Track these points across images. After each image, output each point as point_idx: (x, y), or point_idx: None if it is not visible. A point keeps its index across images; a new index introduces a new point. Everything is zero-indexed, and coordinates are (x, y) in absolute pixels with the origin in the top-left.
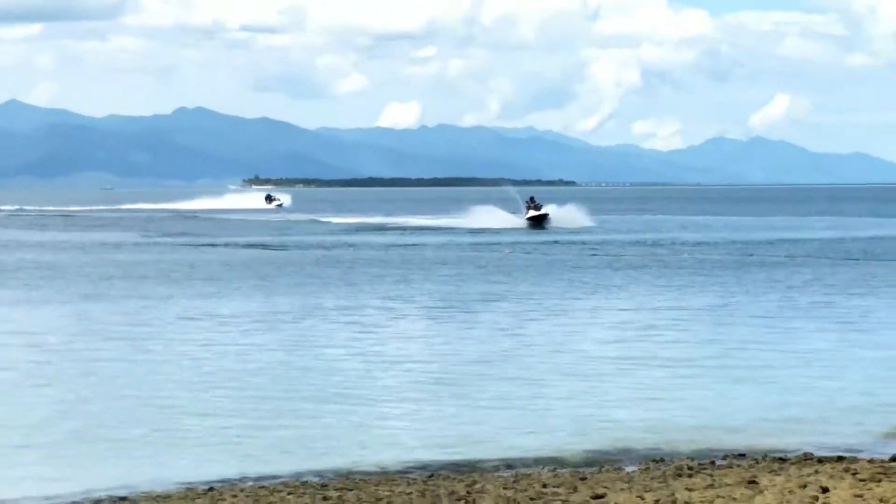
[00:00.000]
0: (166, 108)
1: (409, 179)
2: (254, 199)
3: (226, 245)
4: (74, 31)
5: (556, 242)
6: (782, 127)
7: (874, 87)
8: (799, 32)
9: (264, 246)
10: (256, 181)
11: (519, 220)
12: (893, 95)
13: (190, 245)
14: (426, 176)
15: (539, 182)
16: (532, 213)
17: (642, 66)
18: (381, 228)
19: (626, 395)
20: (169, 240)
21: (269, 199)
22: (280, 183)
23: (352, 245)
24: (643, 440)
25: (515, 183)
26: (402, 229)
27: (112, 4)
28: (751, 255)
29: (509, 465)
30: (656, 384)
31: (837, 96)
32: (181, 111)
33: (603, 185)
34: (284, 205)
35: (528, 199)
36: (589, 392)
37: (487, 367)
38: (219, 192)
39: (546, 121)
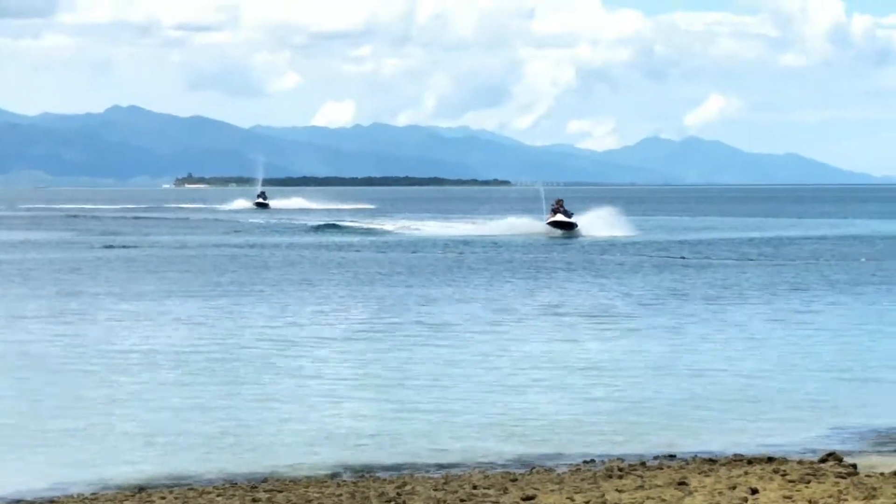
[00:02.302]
0: (100, 106)
1: (344, 178)
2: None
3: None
4: (8, 28)
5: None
6: (716, 127)
7: (806, 87)
8: (731, 33)
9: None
10: (190, 180)
11: (539, 226)
12: (825, 95)
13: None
14: (360, 175)
15: (474, 182)
16: (559, 217)
17: (578, 66)
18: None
19: (556, 397)
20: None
21: (261, 196)
22: (213, 182)
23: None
24: (574, 441)
25: (450, 183)
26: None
27: (46, 1)
28: (682, 257)
29: (440, 466)
30: (586, 386)
31: (771, 96)
32: (115, 109)
33: (537, 184)
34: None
35: (555, 201)
36: (519, 393)
37: (416, 370)
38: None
39: (481, 120)
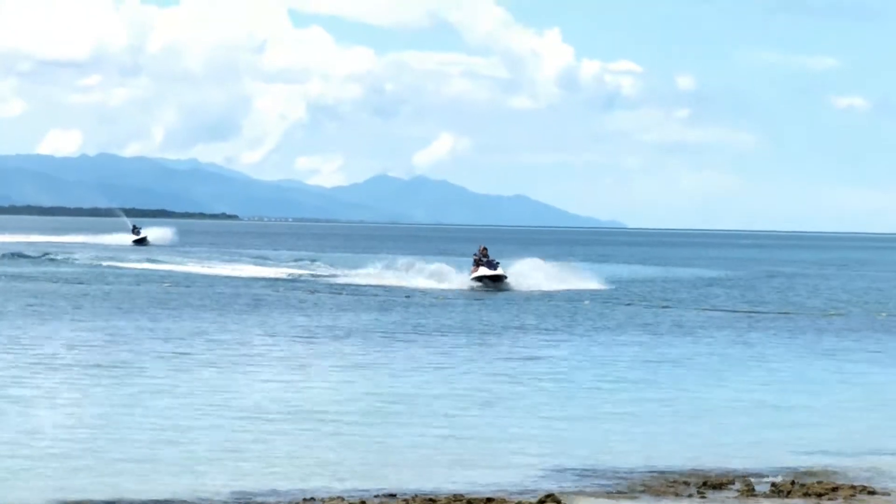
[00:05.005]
0: None
1: (69, 208)
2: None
3: None
4: None
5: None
6: (445, 167)
7: (535, 130)
8: (462, 73)
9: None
10: None
11: (461, 279)
12: (553, 138)
13: None
14: (86, 205)
15: (202, 215)
16: (483, 270)
17: (308, 102)
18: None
19: (282, 431)
20: None
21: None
22: None
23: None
24: (293, 477)
25: (177, 216)
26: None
27: None
28: (408, 296)
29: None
30: (315, 424)
31: (499, 138)
32: None
33: (265, 219)
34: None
35: (478, 249)
36: (244, 428)
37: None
38: None
39: (210, 153)
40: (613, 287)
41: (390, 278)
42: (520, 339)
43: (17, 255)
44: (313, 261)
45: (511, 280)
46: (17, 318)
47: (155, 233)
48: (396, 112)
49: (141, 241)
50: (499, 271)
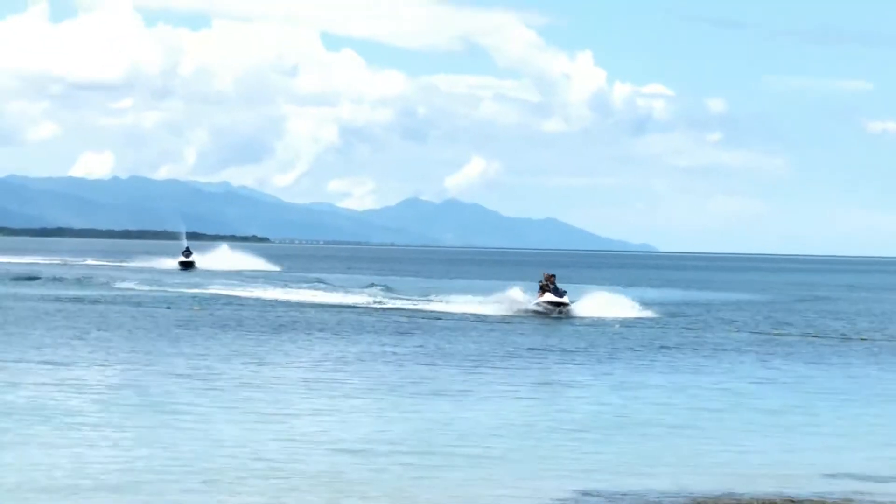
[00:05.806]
0: None
1: (100, 230)
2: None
3: None
4: None
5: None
6: (476, 190)
7: (566, 153)
8: (493, 96)
9: None
10: None
11: (528, 304)
12: (583, 161)
13: None
14: (117, 227)
15: (233, 237)
16: (549, 297)
17: (340, 125)
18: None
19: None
20: None
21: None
22: None
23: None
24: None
25: (209, 238)
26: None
27: None
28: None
29: None
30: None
31: (530, 161)
32: None
33: (297, 242)
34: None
35: (543, 276)
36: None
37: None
38: None
39: (242, 176)
40: (649, 312)
41: (456, 304)
42: (547, 363)
43: (84, 279)
44: (373, 285)
45: (574, 308)
46: (73, 339)
47: (241, 260)
48: (428, 135)
49: (188, 265)
50: (564, 299)
